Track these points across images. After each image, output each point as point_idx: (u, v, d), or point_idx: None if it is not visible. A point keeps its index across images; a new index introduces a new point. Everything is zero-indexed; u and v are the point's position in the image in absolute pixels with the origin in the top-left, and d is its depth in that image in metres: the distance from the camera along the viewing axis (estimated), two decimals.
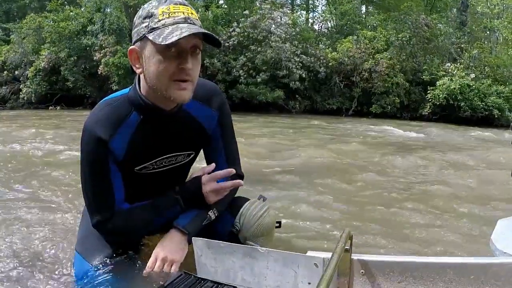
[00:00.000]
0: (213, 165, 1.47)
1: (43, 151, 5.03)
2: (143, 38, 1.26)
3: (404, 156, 5.40)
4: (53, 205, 2.71)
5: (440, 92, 14.28)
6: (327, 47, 16.65)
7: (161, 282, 1.28)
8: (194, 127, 1.48)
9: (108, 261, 1.42)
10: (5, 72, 16.83)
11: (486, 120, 14.10)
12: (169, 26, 1.22)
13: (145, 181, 1.47)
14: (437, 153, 5.85)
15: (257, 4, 16.37)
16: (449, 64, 15.84)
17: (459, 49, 16.98)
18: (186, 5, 1.28)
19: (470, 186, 3.73)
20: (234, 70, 15.40)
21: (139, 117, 1.37)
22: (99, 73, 14.97)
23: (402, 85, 15.41)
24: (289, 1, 22.17)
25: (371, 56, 15.75)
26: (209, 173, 1.45)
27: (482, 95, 14.30)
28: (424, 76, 15.46)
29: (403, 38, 15.90)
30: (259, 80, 15.10)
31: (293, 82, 15.21)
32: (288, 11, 17.39)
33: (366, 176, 4.01)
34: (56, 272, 1.68)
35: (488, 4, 20.80)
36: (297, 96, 15.89)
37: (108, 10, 16.26)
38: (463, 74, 14.78)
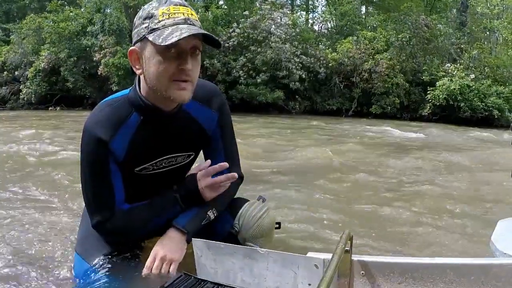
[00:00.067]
0: (208, 161, 1.47)
1: (42, 152, 5.03)
2: (143, 39, 1.27)
3: (402, 157, 5.40)
4: (53, 206, 2.71)
5: (440, 93, 14.29)
6: (327, 47, 16.66)
7: (161, 283, 1.28)
8: (194, 128, 1.48)
9: (107, 262, 1.42)
10: (5, 72, 16.85)
11: (486, 121, 14.10)
12: (169, 27, 1.23)
13: (145, 182, 1.47)
14: (436, 153, 5.85)
15: (257, 4, 16.38)
16: (449, 64, 15.84)
17: (459, 50, 16.99)
18: (186, 6, 1.28)
19: (470, 187, 3.73)
20: (234, 71, 15.41)
21: (139, 118, 1.37)
22: (99, 73, 14.98)
23: (402, 86, 15.41)
24: (289, 2, 22.18)
25: (371, 57, 15.75)
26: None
27: (482, 95, 14.30)
28: (424, 77, 15.47)
29: (403, 39, 15.91)
30: (259, 80, 15.11)
31: (293, 83, 15.22)
32: (288, 12, 17.40)
33: (365, 177, 4.01)
34: (56, 273, 1.68)
35: (488, 5, 20.81)
36: (297, 96, 15.90)
37: (108, 10, 16.27)
38: (463, 74, 14.79)
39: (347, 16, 19.08)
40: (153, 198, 1.45)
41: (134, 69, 1.33)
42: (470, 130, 11.51)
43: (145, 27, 1.26)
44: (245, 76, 15.27)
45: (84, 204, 1.49)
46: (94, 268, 1.41)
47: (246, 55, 15.47)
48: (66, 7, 16.93)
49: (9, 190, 3.11)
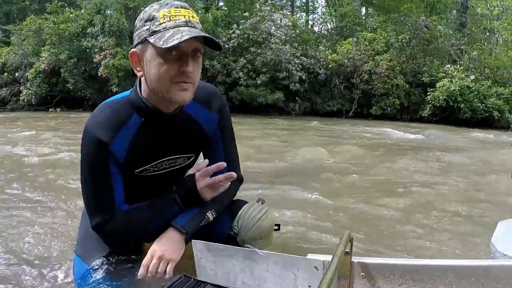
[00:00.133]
0: (206, 161, 1.47)
1: (41, 153, 5.03)
2: (144, 41, 1.27)
3: (401, 158, 5.41)
4: (52, 207, 2.72)
5: (440, 94, 14.28)
6: (327, 49, 16.66)
7: (160, 284, 1.28)
8: (194, 129, 1.48)
9: (107, 263, 1.42)
10: (5, 74, 16.84)
11: (486, 122, 14.10)
12: (170, 29, 1.23)
13: (145, 184, 1.47)
14: (436, 155, 5.85)
15: (257, 6, 16.39)
16: (449, 65, 15.84)
17: (459, 51, 16.99)
18: (187, 9, 1.28)
19: (470, 188, 3.73)
20: (234, 72, 15.41)
21: (140, 120, 1.37)
22: (99, 75, 14.97)
23: (402, 87, 15.41)
24: (289, 3, 22.19)
25: (371, 58, 15.75)
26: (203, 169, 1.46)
27: (482, 96, 14.30)
28: (424, 78, 15.47)
29: (403, 40, 15.91)
30: (259, 82, 15.11)
31: (293, 84, 15.21)
32: (288, 13, 17.40)
33: (364, 178, 4.01)
34: (56, 274, 1.69)
35: (488, 6, 20.84)
36: (297, 98, 15.89)
37: (108, 12, 16.27)
38: (463, 75, 14.79)
39: (347, 17, 19.09)
40: (153, 199, 1.45)
41: (135, 71, 1.33)
42: (470, 131, 11.51)
43: (146, 29, 1.26)
44: (245, 77, 15.27)
45: (83, 206, 1.49)
46: (93, 269, 1.41)
47: (246, 56, 15.47)
48: (66, 8, 16.93)
49: (8, 192, 3.12)
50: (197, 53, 1.28)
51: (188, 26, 1.24)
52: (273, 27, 15.56)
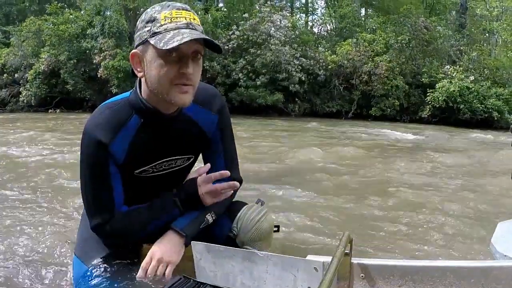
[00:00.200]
0: (208, 165, 1.47)
1: (40, 154, 5.04)
2: (145, 42, 1.27)
3: (400, 159, 5.41)
4: (52, 208, 2.71)
5: (440, 95, 14.30)
6: (326, 50, 16.67)
7: (160, 286, 1.28)
8: (194, 131, 1.48)
9: (106, 265, 1.41)
10: (5, 75, 16.85)
11: (485, 122, 14.12)
12: (170, 31, 1.23)
13: (144, 185, 1.47)
14: (435, 155, 5.85)
15: (257, 7, 16.41)
16: (448, 66, 15.86)
17: (458, 52, 17.01)
18: (189, 11, 1.29)
19: (469, 188, 3.73)
20: (234, 73, 15.42)
21: (140, 121, 1.37)
22: (98, 76, 14.99)
23: (402, 88, 15.43)
24: (289, 4, 22.23)
25: (370, 59, 15.76)
26: (205, 174, 1.45)
27: (482, 97, 14.31)
28: (423, 79, 15.48)
29: (403, 41, 15.93)
30: (258, 83, 15.12)
31: (292, 85, 15.23)
32: (288, 14, 17.43)
33: (363, 179, 4.02)
34: (55, 275, 1.69)
35: (487, 7, 20.85)
36: (296, 99, 15.90)
37: (108, 13, 16.31)
38: (463, 76, 14.80)
39: (346, 18, 19.09)
40: (153, 201, 1.45)
41: (136, 71, 1.34)
42: (469, 132, 11.52)
43: (147, 30, 1.26)
44: (244, 78, 15.28)
45: (83, 207, 1.49)
46: (92, 270, 1.40)
47: (246, 57, 15.48)
48: (66, 9, 16.96)
49: (6, 192, 3.11)
50: (198, 55, 1.28)
51: (189, 28, 1.24)
52: (272, 28, 15.57)
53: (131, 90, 1.42)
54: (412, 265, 1.17)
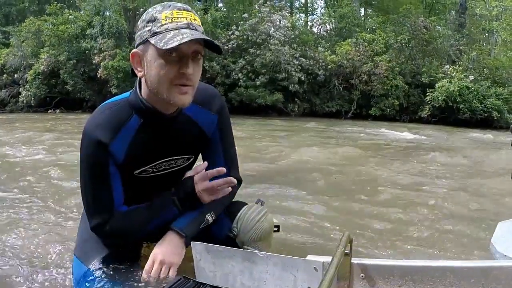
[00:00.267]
0: (205, 163, 1.47)
1: (40, 155, 5.04)
2: (146, 42, 1.27)
3: (398, 159, 5.42)
4: (51, 209, 2.71)
5: (439, 94, 14.30)
6: (326, 50, 16.67)
7: (160, 286, 1.28)
8: (194, 131, 1.49)
9: (106, 265, 1.41)
10: (5, 75, 16.84)
11: (485, 122, 14.13)
12: (171, 31, 1.23)
13: (144, 185, 1.47)
14: (434, 155, 5.85)
15: (256, 7, 16.40)
16: (448, 66, 15.87)
17: (458, 51, 17.02)
18: (190, 11, 1.29)
19: (468, 188, 3.73)
20: (233, 73, 15.42)
21: (140, 121, 1.37)
22: (98, 76, 14.99)
23: (401, 88, 15.43)
24: (288, 4, 22.22)
25: (370, 59, 15.77)
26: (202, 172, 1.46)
27: (481, 97, 14.32)
28: (423, 79, 15.49)
29: (402, 41, 15.94)
30: (258, 83, 15.12)
31: (292, 85, 15.23)
32: (287, 14, 17.42)
33: (361, 179, 4.02)
34: (55, 276, 1.68)
35: (487, 6, 20.85)
36: (296, 99, 15.91)
37: (108, 13, 16.31)
38: (462, 76, 14.81)
39: (346, 18, 19.09)
40: (151, 200, 1.45)
41: (136, 71, 1.34)
42: (469, 131, 11.52)
43: (148, 30, 1.26)
44: (244, 78, 15.28)
45: (83, 208, 1.49)
46: (92, 271, 1.40)
47: (245, 57, 15.48)
48: (66, 10, 16.96)
49: (5, 193, 3.10)
50: (198, 55, 1.28)
51: (190, 29, 1.24)
52: (272, 28, 15.57)
53: (131, 90, 1.42)
54: (412, 265, 1.17)
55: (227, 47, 15.38)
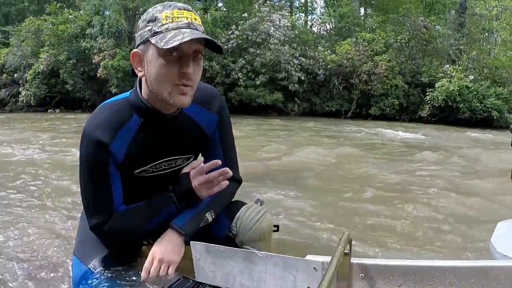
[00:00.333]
0: (201, 159, 1.47)
1: (39, 155, 5.03)
2: (146, 42, 1.27)
3: (398, 159, 5.41)
4: (51, 209, 2.71)
5: (439, 94, 14.30)
6: (326, 49, 16.68)
7: (159, 286, 1.27)
8: (194, 131, 1.49)
9: (106, 265, 1.41)
10: (4, 75, 16.86)
11: (485, 122, 14.13)
12: (171, 30, 1.23)
13: (144, 184, 1.47)
14: (434, 154, 5.85)
15: (256, 6, 16.40)
16: (447, 66, 15.88)
17: (457, 51, 17.03)
18: (190, 11, 1.29)
19: (468, 188, 3.73)
20: (233, 73, 15.42)
21: (140, 121, 1.37)
22: (98, 76, 14.99)
23: (401, 87, 15.44)
24: (288, 4, 22.23)
25: (370, 58, 15.78)
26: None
27: (481, 96, 14.32)
28: (423, 78, 15.50)
29: (402, 40, 15.94)
30: (258, 82, 15.12)
31: (292, 85, 15.23)
32: (287, 14, 17.42)
33: (360, 179, 4.01)
34: (54, 276, 1.68)
35: (487, 6, 20.87)
36: (296, 98, 15.91)
37: (107, 13, 16.31)
38: (462, 75, 14.81)
39: (346, 17, 19.10)
40: (149, 199, 1.45)
41: (136, 71, 1.34)
42: (468, 131, 11.52)
43: (148, 30, 1.26)
44: (244, 78, 15.29)
45: (82, 207, 1.49)
46: (92, 270, 1.40)
47: (245, 57, 15.48)
48: (65, 9, 16.96)
49: (4, 193, 3.10)
50: (198, 54, 1.28)
51: (190, 28, 1.24)
52: (272, 28, 15.57)
53: (131, 90, 1.42)
54: (411, 265, 1.17)
55: (226, 47, 15.38)
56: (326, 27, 21.20)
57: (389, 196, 3.31)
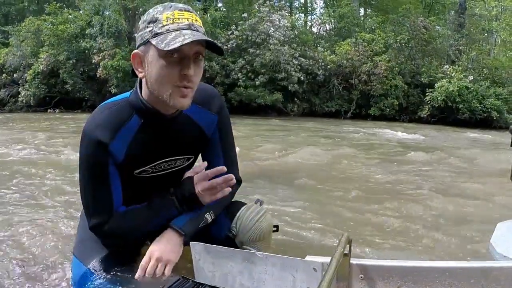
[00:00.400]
0: (204, 163, 1.47)
1: (39, 155, 5.03)
2: (147, 43, 1.27)
3: (397, 159, 5.41)
4: (51, 209, 2.70)
5: (439, 94, 14.31)
6: (325, 49, 16.68)
7: (159, 287, 1.27)
8: (194, 131, 1.48)
9: (105, 265, 1.41)
10: (4, 75, 16.85)
11: (485, 122, 14.13)
12: (172, 32, 1.22)
13: (144, 185, 1.47)
14: (433, 155, 5.85)
15: (256, 7, 16.41)
16: (447, 66, 15.88)
17: (457, 51, 17.04)
18: (191, 12, 1.28)
19: (468, 188, 3.73)
20: (233, 73, 15.42)
21: (140, 121, 1.37)
22: (97, 76, 14.98)
23: (401, 88, 15.45)
24: (288, 4, 22.23)
25: (369, 59, 15.78)
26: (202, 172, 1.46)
27: (481, 97, 14.33)
28: (422, 79, 15.50)
29: (402, 41, 15.95)
30: (257, 83, 15.12)
31: (291, 85, 15.23)
32: (287, 14, 17.42)
33: (359, 180, 4.01)
34: (53, 276, 1.68)
35: (486, 6, 20.88)
36: (295, 99, 15.91)
37: (107, 13, 16.30)
38: (462, 76, 14.82)
39: (345, 18, 19.10)
40: (150, 201, 1.45)
41: (137, 72, 1.33)
42: (468, 131, 11.52)
43: (149, 31, 1.26)
44: (243, 78, 15.28)
45: (82, 207, 1.48)
46: (91, 271, 1.40)
47: (245, 57, 15.48)
48: (65, 9, 16.96)
49: (4, 193, 3.10)
50: (199, 56, 1.28)
51: (191, 30, 1.24)
52: (271, 28, 15.57)
53: (131, 90, 1.42)
54: (411, 265, 1.17)
55: (226, 47, 15.38)
56: (326, 27, 21.21)
57: (388, 197, 3.31)
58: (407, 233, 2.43)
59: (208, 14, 16.62)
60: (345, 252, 1.14)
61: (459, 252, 2.12)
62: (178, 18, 1.24)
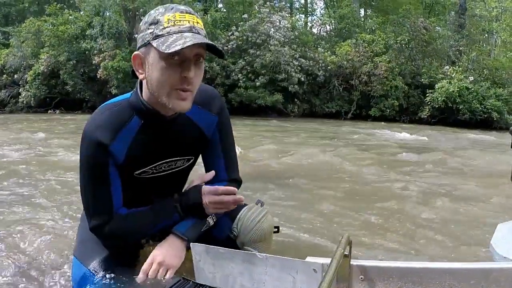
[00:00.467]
0: (212, 172, 1.47)
1: (38, 155, 5.03)
2: (148, 45, 1.26)
3: (397, 160, 5.40)
4: (51, 209, 2.70)
5: (439, 95, 14.31)
6: (326, 50, 16.69)
7: (160, 287, 1.27)
8: (194, 132, 1.49)
9: (106, 266, 1.41)
10: (4, 75, 16.87)
11: (485, 123, 14.14)
12: (173, 34, 1.22)
13: (144, 186, 1.47)
14: (434, 156, 5.85)
15: (256, 8, 16.41)
16: (447, 67, 15.89)
17: (457, 52, 17.05)
18: (192, 14, 1.28)
19: (468, 189, 3.72)
20: (233, 74, 15.43)
21: (140, 122, 1.37)
22: (98, 77, 15.00)
23: (401, 88, 15.45)
24: (288, 5, 22.24)
25: (370, 60, 15.79)
26: (209, 181, 1.47)
27: (481, 97, 14.33)
28: (423, 79, 15.51)
29: (402, 41, 15.96)
30: (258, 83, 15.13)
31: (292, 86, 15.24)
32: (287, 15, 17.43)
33: (359, 180, 4.01)
34: (54, 276, 1.68)
35: (486, 7, 20.88)
36: (296, 99, 15.92)
37: (107, 14, 16.31)
38: (462, 77, 14.82)
39: (346, 19, 19.12)
40: (153, 204, 1.45)
41: (137, 73, 1.33)
42: (468, 132, 11.51)
43: (150, 32, 1.25)
44: (244, 79, 15.29)
45: (83, 208, 1.49)
46: (91, 272, 1.40)
47: (245, 58, 15.49)
48: (66, 10, 16.98)
49: (4, 193, 3.10)
50: (200, 58, 1.28)
51: (192, 32, 1.24)
52: (272, 29, 15.58)
53: (131, 91, 1.42)
54: (411, 266, 1.17)
55: (227, 48, 15.40)
56: (326, 28, 21.23)
57: (388, 198, 3.30)
58: (407, 234, 2.43)
59: (209, 15, 16.63)
60: (345, 253, 1.14)
61: (459, 253, 2.12)
62: (180, 20, 1.24)
